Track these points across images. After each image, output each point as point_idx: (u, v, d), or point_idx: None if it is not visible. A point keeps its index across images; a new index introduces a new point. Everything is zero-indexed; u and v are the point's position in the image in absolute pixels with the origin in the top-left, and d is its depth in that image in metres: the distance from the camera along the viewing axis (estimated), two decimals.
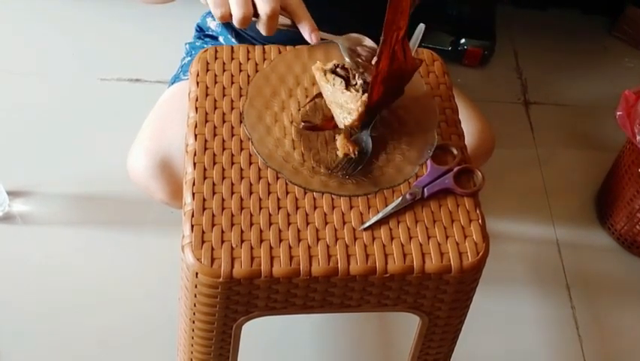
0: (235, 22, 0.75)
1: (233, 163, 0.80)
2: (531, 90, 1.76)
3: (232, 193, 0.78)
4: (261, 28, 0.76)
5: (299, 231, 0.76)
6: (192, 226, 0.75)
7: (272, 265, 0.73)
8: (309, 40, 0.78)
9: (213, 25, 1.18)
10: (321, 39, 0.79)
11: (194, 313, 0.79)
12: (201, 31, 1.22)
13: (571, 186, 1.57)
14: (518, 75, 1.79)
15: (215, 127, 0.83)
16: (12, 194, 1.38)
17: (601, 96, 1.75)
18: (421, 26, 0.85)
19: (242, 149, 0.82)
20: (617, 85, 1.53)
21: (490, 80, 1.76)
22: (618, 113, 1.31)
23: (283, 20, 0.78)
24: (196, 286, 0.75)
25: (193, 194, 0.77)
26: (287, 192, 0.78)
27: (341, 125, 0.81)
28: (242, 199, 0.77)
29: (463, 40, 1.73)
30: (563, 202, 1.53)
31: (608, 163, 1.50)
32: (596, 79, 1.80)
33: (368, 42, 0.81)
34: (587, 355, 1.30)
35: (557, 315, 1.35)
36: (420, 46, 0.98)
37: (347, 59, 0.80)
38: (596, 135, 1.67)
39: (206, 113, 0.85)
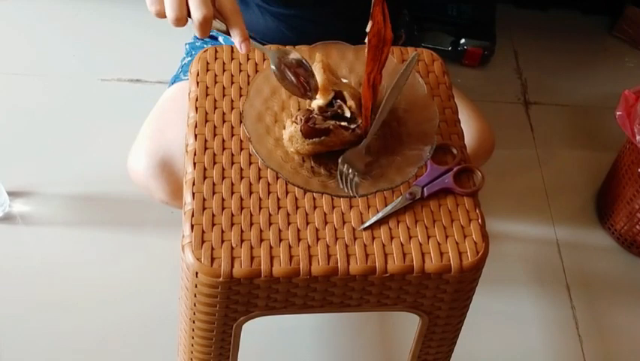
0: (169, 22, 0.75)
1: (233, 163, 0.80)
2: (531, 90, 1.76)
3: (232, 193, 0.78)
4: (195, 30, 0.76)
5: (299, 231, 0.76)
6: (192, 226, 0.75)
7: (272, 265, 0.73)
8: (238, 49, 0.77)
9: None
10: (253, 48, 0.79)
11: (194, 313, 0.79)
12: None
13: (571, 186, 1.57)
14: (518, 75, 1.79)
15: (215, 127, 0.83)
16: (12, 194, 1.38)
17: (601, 96, 1.75)
18: (414, 54, 0.85)
19: (242, 149, 0.82)
20: (617, 85, 1.53)
21: (490, 80, 1.76)
22: (618, 113, 1.32)
23: (219, 25, 0.77)
24: (196, 286, 0.75)
25: (193, 194, 0.77)
26: (287, 192, 0.79)
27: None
28: (242, 199, 0.77)
29: (463, 41, 1.73)
30: (563, 202, 1.53)
31: (607, 163, 1.50)
32: (596, 79, 1.81)
33: (294, 54, 0.80)
34: (587, 355, 1.30)
35: (557, 315, 1.35)
36: (420, 46, 0.98)
37: (273, 68, 0.79)
38: (596, 135, 1.67)
39: (206, 113, 0.85)
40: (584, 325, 1.34)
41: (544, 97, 1.75)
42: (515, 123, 1.68)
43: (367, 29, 0.76)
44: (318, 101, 0.81)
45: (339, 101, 0.80)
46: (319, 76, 0.82)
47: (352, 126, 0.79)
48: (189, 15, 0.73)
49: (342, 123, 0.79)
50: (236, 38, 0.76)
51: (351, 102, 0.80)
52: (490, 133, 1.11)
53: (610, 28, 1.93)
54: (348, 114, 0.80)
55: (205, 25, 0.73)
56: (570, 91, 1.77)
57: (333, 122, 0.79)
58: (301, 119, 0.78)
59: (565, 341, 1.32)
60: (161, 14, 0.75)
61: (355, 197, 0.78)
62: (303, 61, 0.80)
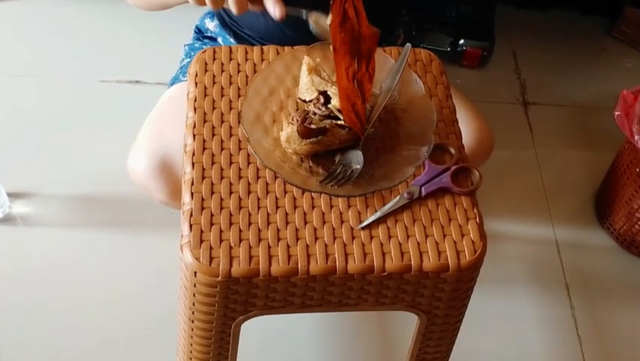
0: (208, 4, 0.76)
1: (231, 163, 0.81)
2: (530, 91, 1.76)
3: (230, 193, 0.78)
4: (231, 6, 0.76)
5: (297, 230, 0.76)
6: (191, 226, 0.75)
7: (270, 264, 0.73)
8: (272, 14, 0.77)
9: (212, 26, 1.19)
10: (287, 14, 0.79)
11: (193, 313, 0.79)
12: (200, 33, 1.22)
13: (570, 186, 1.57)
14: (517, 76, 1.80)
15: (213, 127, 0.84)
16: (12, 195, 1.38)
17: (600, 96, 1.75)
18: (408, 46, 0.85)
19: (240, 149, 0.82)
20: (616, 85, 1.53)
21: (489, 81, 1.77)
22: (616, 113, 1.32)
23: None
24: (195, 285, 0.75)
25: (192, 194, 0.78)
26: (285, 192, 0.79)
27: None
28: (240, 199, 0.78)
29: (462, 41, 1.73)
30: (562, 202, 1.53)
31: (606, 163, 1.50)
32: (595, 79, 1.81)
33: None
34: (586, 355, 1.30)
35: (557, 315, 1.35)
36: (419, 47, 0.98)
37: (313, 27, 0.80)
38: (594, 135, 1.67)
39: (205, 114, 0.85)
40: (583, 324, 1.34)
41: (543, 97, 1.75)
42: (514, 124, 1.68)
43: (327, 22, 0.76)
44: (303, 96, 0.82)
45: (329, 106, 0.81)
46: (304, 77, 0.83)
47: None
48: None
49: (339, 122, 0.80)
50: (269, 4, 0.77)
51: (335, 101, 0.81)
52: (489, 132, 1.12)
53: (609, 28, 1.93)
54: (339, 115, 0.80)
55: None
56: (569, 91, 1.77)
57: (329, 121, 0.79)
58: (297, 120, 0.79)
59: (564, 341, 1.32)
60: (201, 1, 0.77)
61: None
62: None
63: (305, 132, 0.78)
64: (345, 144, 0.81)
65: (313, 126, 0.78)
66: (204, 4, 0.79)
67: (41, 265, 1.31)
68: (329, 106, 0.81)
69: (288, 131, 0.80)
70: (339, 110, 0.80)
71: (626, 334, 1.34)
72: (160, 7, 1.04)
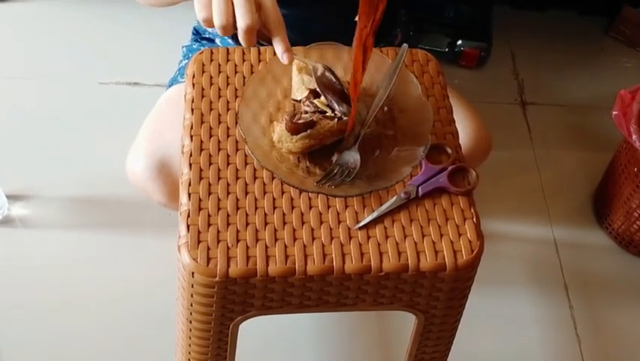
0: (217, 30, 0.76)
1: (228, 164, 0.81)
2: (528, 91, 1.76)
3: (228, 193, 0.78)
4: (240, 39, 0.76)
5: (294, 230, 0.76)
6: (188, 226, 0.75)
7: (267, 265, 0.73)
8: (280, 59, 0.78)
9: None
10: (295, 59, 0.80)
11: (191, 313, 0.79)
12: (198, 34, 1.22)
13: (568, 186, 1.57)
14: (515, 76, 1.80)
15: (210, 128, 0.84)
16: (11, 197, 1.39)
17: (598, 96, 1.75)
18: (404, 46, 0.86)
19: (237, 149, 0.82)
20: (614, 85, 1.53)
21: (487, 82, 1.77)
22: (614, 112, 1.32)
23: (265, 36, 0.78)
24: (192, 286, 0.75)
25: (189, 194, 0.78)
26: (282, 192, 0.79)
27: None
28: (237, 199, 0.78)
29: (460, 42, 1.74)
30: (560, 202, 1.53)
31: (605, 163, 1.50)
32: (593, 79, 1.81)
33: (331, 75, 0.82)
34: (585, 354, 1.30)
35: (555, 315, 1.35)
36: (417, 47, 0.98)
37: (314, 78, 0.81)
38: (593, 135, 1.67)
39: (202, 115, 0.85)
40: (582, 324, 1.34)
41: (541, 97, 1.75)
42: (512, 124, 1.69)
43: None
44: (295, 96, 0.83)
45: (314, 101, 0.81)
46: (295, 77, 0.84)
47: (337, 115, 0.80)
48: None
49: (327, 114, 0.80)
50: (278, 48, 0.77)
51: (323, 97, 0.81)
52: (487, 132, 1.12)
53: (607, 28, 1.93)
54: (326, 109, 0.80)
55: (249, 34, 0.74)
56: (567, 91, 1.77)
57: (316, 115, 0.80)
58: (285, 119, 0.79)
59: (563, 341, 1.32)
60: (209, 22, 0.75)
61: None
62: (336, 84, 0.81)
63: (293, 128, 0.78)
64: (338, 135, 0.81)
65: (300, 121, 0.79)
66: (212, 25, 0.78)
67: (41, 266, 1.31)
68: (314, 101, 0.81)
69: (277, 130, 0.80)
70: (327, 105, 0.81)
71: (625, 334, 1.34)
72: (168, 4, 1.04)
